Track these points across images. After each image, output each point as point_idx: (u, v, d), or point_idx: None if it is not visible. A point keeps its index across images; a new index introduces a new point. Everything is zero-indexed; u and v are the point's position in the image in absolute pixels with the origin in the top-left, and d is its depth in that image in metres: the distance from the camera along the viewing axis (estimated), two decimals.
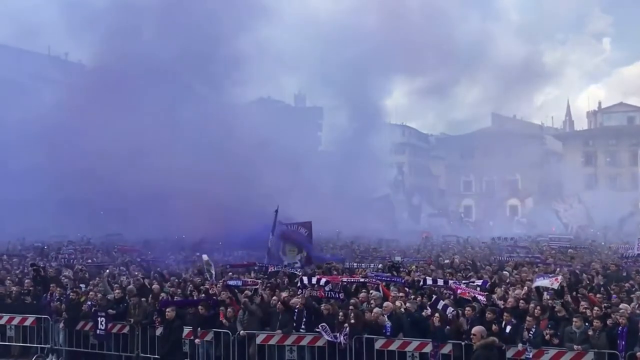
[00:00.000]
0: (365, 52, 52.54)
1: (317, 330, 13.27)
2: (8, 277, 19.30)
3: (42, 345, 15.78)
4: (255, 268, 21.38)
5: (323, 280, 15.16)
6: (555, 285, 14.95)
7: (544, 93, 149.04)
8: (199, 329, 14.12)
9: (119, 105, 38.36)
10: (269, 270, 20.45)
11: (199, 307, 14.48)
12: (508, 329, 12.49)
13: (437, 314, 13.10)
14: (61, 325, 15.45)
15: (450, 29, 61.89)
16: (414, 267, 21.77)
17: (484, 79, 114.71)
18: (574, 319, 12.37)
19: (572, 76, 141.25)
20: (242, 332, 13.92)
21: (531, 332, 12.29)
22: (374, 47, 52.91)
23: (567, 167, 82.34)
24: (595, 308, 12.94)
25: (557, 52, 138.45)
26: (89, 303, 15.58)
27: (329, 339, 13.12)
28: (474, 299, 13.89)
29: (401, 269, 20.56)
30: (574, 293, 15.32)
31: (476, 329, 11.24)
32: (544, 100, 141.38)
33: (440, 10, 61.05)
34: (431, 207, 73.39)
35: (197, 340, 14.06)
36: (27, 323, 15.81)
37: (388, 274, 18.46)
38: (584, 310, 13.14)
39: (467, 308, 13.12)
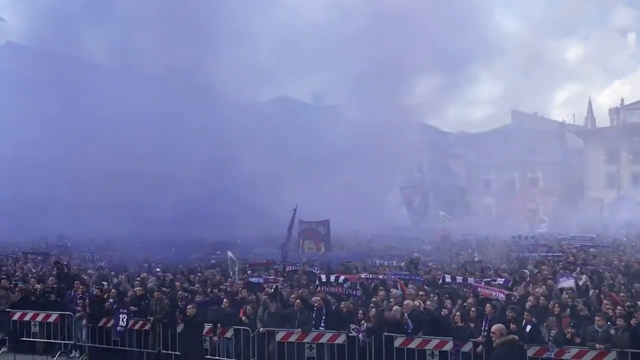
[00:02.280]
0: (384, 50, 52.40)
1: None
2: (31, 276, 19.64)
3: (66, 342, 16.01)
4: (274, 267, 21.50)
5: (341, 278, 15.22)
6: (581, 283, 14.97)
7: (566, 90, 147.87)
8: (218, 325, 14.25)
9: (136, 104, 38.65)
10: (287, 269, 20.55)
11: (224, 302, 14.63)
12: (528, 328, 12.44)
13: (458, 313, 13.11)
14: (84, 321, 15.65)
15: (471, 24, 61.52)
16: (433, 265, 21.77)
17: (505, 76, 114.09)
18: (596, 318, 12.29)
19: (595, 72, 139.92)
20: (261, 329, 14.02)
21: (552, 331, 12.23)
22: (392, 45, 52.74)
23: (589, 164, 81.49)
24: (619, 307, 12.85)
25: (580, 48, 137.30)
26: (111, 300, 15.77)
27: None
28: (496, 299, 13.85)
29: (419, 267, 20.57)
30: (596, 291, 15.24)
31: (495, 327, 11.23)
32: (567, 96, 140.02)
33: (461, 5, 60.61)
34: (450, 205, 72.94)
35: (215, 338, 14.16)
36: (51, 320, 16.02)
37: (407, 272, 18.47)
38: (606, 310, 13.06)
39: (487, 306, 13.10)
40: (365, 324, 13.08)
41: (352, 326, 13.20)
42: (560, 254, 26.55)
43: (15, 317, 16.19)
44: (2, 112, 34.76)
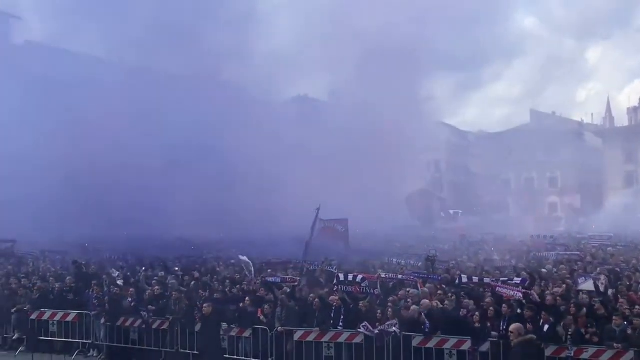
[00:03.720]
0: (403, 49, 52.18)
1: (360, 331, 13.24)
2: (50, 274, 19.79)
3: (84, 341, 16.11)
4: (291, 266, 21.53)
5: (360, 277, 15.16)
6: (602, 288, 14.77)
7: (586, 89, 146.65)
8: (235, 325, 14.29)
9: (157, 103, 38.83)
10: (305, 268, 20.55)
11: (246, 300, 14.66)
12: (546, 327, 12.31)
13: (477, 313, 13.01)
14: (102, 320, 15.75)
15: (491, 23, 61.20)
16: (452, 264, 21.72)
17: (525, 75, 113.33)
18: (614, 317, 12.15)
19: (615, 72, 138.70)
20: (280, 328, 14.02)
21: (569, 331, 12.11)
22: (412, 44, 52.53)
23: (608, 164, 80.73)
24: (636, 306, 12.70)
25: (600, 48, 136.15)
26: (130, 299, 15.85)
27: (373, 334, 13.04)
28: (517, 301, 13.71)
29: (437, 265, 20.52)
30: (614, 291, 15.10)
31: (514, 327, 11.15)
32: (587, 96, 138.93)
33: (482, 4, 60.14)
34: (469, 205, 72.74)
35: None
36: (69, 319, 16.12)
37: (425, 272, 18.38)
38: (624, 309, 12.91)
39: (504, 305, 13.00)
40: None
41: (364, 324, 13.17)
42: (578, 253, 26.37)
43: (34, 317, 16.32)
44: (20, 110, 35.04)
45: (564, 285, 15.86)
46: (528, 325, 11.83)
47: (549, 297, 14.01)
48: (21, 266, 22.86)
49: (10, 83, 35.15)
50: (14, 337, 16.72)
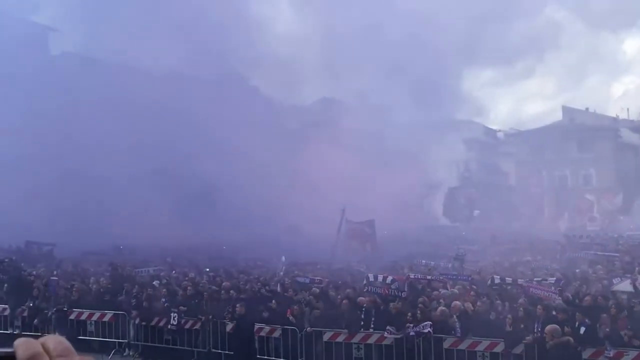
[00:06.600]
0: (431, 45, 51.75)
1: (387, 336, 13.24)
2: (90, 275, 20.20)
3: (120, 340, 16.40)
4: (318, 267, 21.59)
5: (389, 278, 15.15)
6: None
7: (623, 83, 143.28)
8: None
9: (186, 109, 39.22)
10: (334, 269, 20.62)
11: (273, 301, 14.79)
12: (582, 329, 12.13)
13: (509, 316, 12.90)
14: (137, 320, 16.02)
15: (524, 17, 59.99)
16: (481, 265, 21.60)
17: (558, 71, 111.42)
18: None
19: None
20: (309, 329, 14.08)
21: (607, 332, 11.92)
22: (439, 41, 52.07)
23: None
24: None
25: (638, 40, 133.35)
26: (163, 299, 16.08)
27: (403, 335, 13.03)
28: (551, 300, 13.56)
29: (465, 265, 20.44)
30: None
31: (549, 328, 11.04)
32: (625, 90, 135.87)
33: None
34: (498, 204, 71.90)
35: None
36: (106, 319, 16.46)
37: (454, 273, 18.30)
38: None
39: (539, 307, 12.85)
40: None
41: (388, 328, 13.16)
42: (616, 254, 25.85)
43: (72, 316, 16.70)
44: (61, 120, 35.58)
45: (600, 286, 15.64)
46: (566, 328, 11.66)
47: (586, 298, 13.82)
48: (59, 268, 23.29)
49: (50, 93, 35.66)
50: None
